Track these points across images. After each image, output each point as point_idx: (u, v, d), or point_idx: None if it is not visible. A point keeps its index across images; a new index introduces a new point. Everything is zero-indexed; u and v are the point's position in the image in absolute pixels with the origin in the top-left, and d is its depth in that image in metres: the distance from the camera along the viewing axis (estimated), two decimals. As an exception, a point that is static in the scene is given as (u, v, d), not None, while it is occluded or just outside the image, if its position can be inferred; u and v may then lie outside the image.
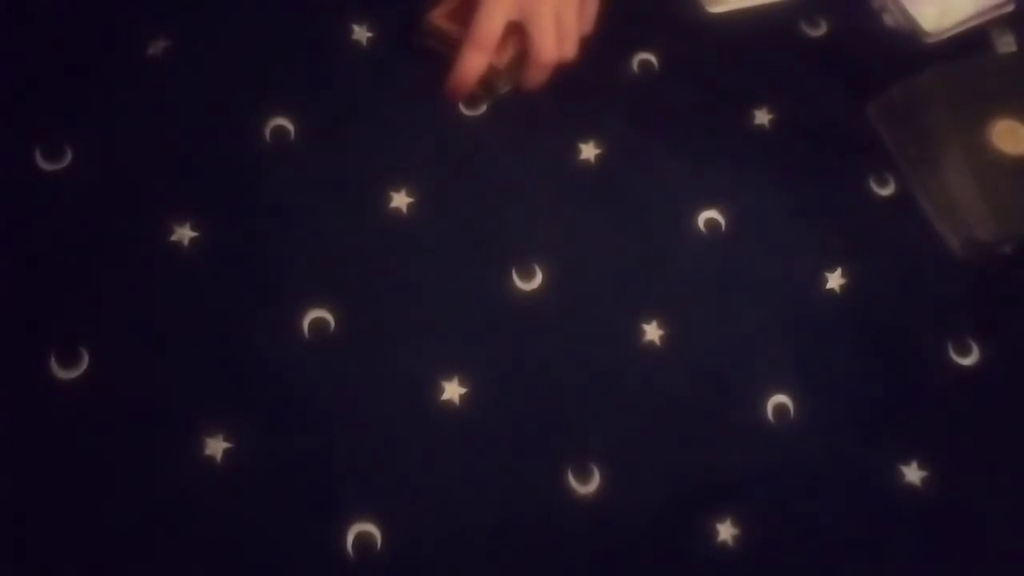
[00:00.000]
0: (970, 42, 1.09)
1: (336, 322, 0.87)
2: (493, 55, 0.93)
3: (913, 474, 0.90)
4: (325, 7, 0.99)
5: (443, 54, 0.96)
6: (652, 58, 1.04)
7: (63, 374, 0.81)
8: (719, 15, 1.06)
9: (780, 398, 0.91)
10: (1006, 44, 1.09)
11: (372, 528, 0.81)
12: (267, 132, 0.93)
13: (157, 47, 0.94)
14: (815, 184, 1.01)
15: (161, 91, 0.93)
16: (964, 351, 0.96)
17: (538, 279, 0.92)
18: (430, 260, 0.91)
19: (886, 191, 1.02)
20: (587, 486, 0.85)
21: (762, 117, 1.03)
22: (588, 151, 0.98)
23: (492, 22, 0.91)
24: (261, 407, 0.83)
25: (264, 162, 0.92)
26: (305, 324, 0.86)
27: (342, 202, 0.92)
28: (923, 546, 0.89)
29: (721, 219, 0.97)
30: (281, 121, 0.93)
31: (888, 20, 1.10)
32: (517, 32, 0.94)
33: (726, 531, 0.86)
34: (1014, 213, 0.96)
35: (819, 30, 1.09)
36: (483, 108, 0.98)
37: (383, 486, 0.83)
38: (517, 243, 0.93)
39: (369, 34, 0.99)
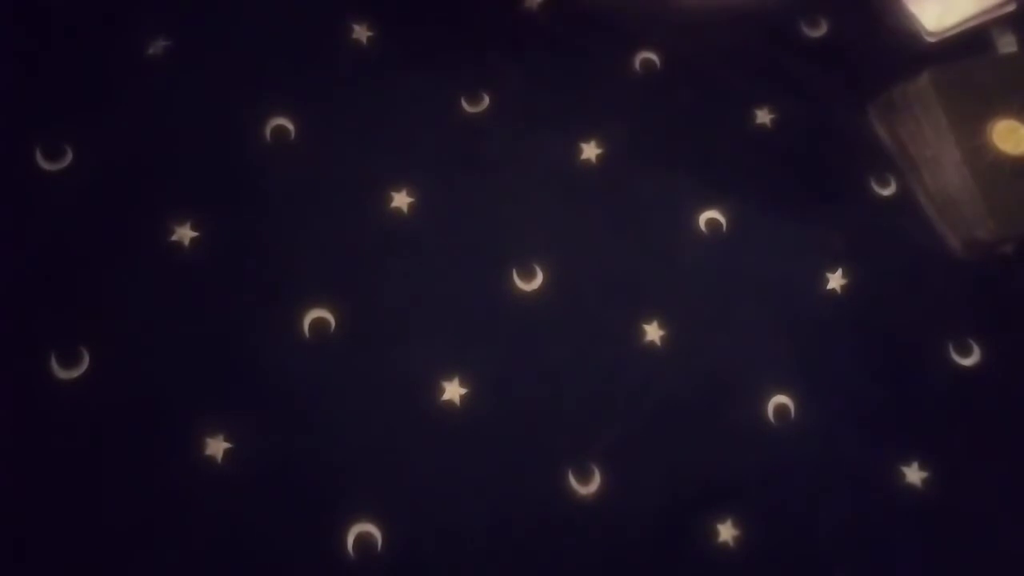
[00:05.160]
0: (970, 42, 1.09)
1: (336, 322, 0.87)
2: None
3: (914, 475, 0.90)
4: (325, 7, 0.99)
5: None
6: (654, 57, 1.04)
7: (63, 374, 0.81)
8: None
9: (780, 399, 0.91)
10: (1006, 44, 1.09)
11: (372, 528, 0.81)
12: (267, 132, 0.93)
13: (157, 47, 0.94)
14: (815, 184, 1.01)
15: (161, 91, 0.93)
16: (964, 351, 0.96)
17: (538, 279, 0.92)
18: (430, 260, 0.91)
19: (886, 191, 1.02)
20: (587, 486, 0.85)
21: (762, 117, 1.03)
22: (589, 151, 0.98)
23: None
24: (261, 407, 0.83)
25: (264, 162, 0.92)
26: (305, 324, 0.86)
27: (342, 202, 0.92)
28: (923, 546, 0.89)
29: (721, 219, 0.97)
30: (281, 121, 0.93)
31: (889, 20, 1.10)
32: None
33: (726, 532, 0.86)
34: (1014, 213, 0.96)
35: (819, 30, 1.09)
36: (486, 103, 0.98)
37: (383, 486, 0.83)
38: (517, 243, 0.93)
39: (369, 33, 0.99)
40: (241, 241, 0.88)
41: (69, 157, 0.88)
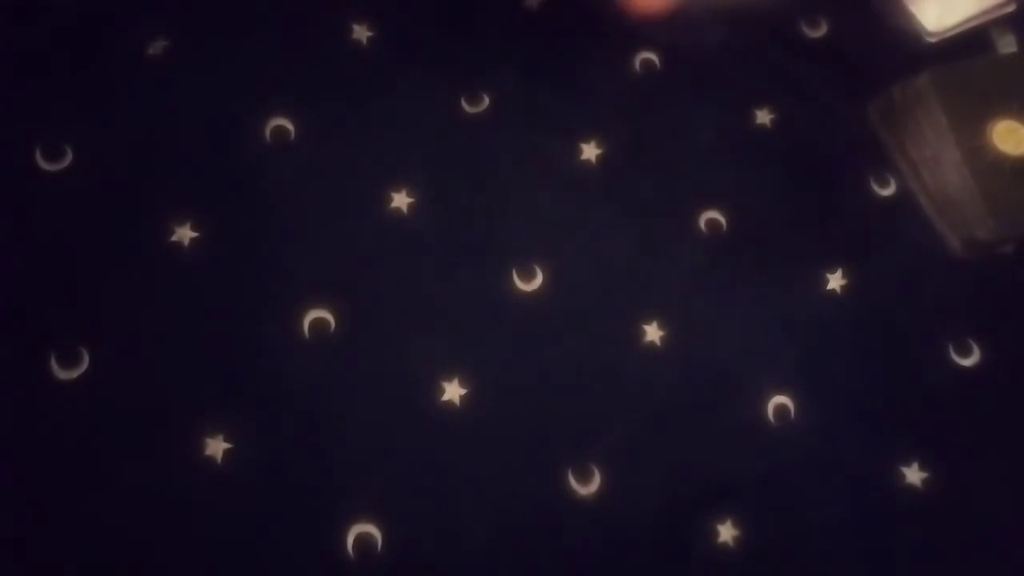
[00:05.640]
0: (970, 42, 1.09)
1: (336, 322, 0.87)
2: None
3: (914, 475, 0.90)
4: (325, 7, 0.99)
5: None
6: (654, 57, 1.04)
7: (63, 374, 0.81)
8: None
9: (780, 399, 0.91)
10: (1006, 44, 1.09)
11: (372, 528, 0.81)
12: (267, 132, 0.93)
13: (157, 47, 0.94)
14: (815, 184, 1.01)
15: (161, 91, 0.93)
16: (964, 351, 0.96)
17: (538, 279, 0.92)
18: (430, 260, 0.91)
19: (886, 191, 1.02)
20: (587, 486, 0.85)
21: (762, 117, 1.03)
22: (589, 151, 0.98)
23: None
24: (261, 407, 0.83)
25: (264, 162, 0.92)
26: (305, 324, 0.86)
27: (342, 202, 0.92)
28: (923, 546, 0.89)
29: (721, 219, 0.97)
30: (281, 121, 0.93)
31: (889, 20, 1.10)
32: None
33: (726, 532, 0.86)
34: (1014, 213, 0.96)
35: (819, 30, 1.09)
36: (486, 103, 0.98)
37: (383, 486, 0.83)
38: (517, 243, 0.93)
39: (369, 34, 0.99)
40: (241, 241, 0.88)
41: (69, 157, 0.88)
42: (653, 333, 0.91)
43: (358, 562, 0.80)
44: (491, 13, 1.01)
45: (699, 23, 1.06)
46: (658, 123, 1.01)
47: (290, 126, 0.93)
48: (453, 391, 0.86)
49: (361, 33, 0.99)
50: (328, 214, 0.91)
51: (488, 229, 0.93)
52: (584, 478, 0.85)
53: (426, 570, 0.81)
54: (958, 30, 1.08)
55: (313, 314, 0.86)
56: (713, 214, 0.97)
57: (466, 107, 0.97)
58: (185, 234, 0.87)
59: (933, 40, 1.08)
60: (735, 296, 0.95)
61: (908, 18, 1.09)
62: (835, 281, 0.97)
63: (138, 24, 0.94)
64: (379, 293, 0.89)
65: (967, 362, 0.96)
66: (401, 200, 0.92)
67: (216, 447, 0.81)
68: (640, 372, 0.90)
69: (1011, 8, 1.08)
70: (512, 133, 0.97)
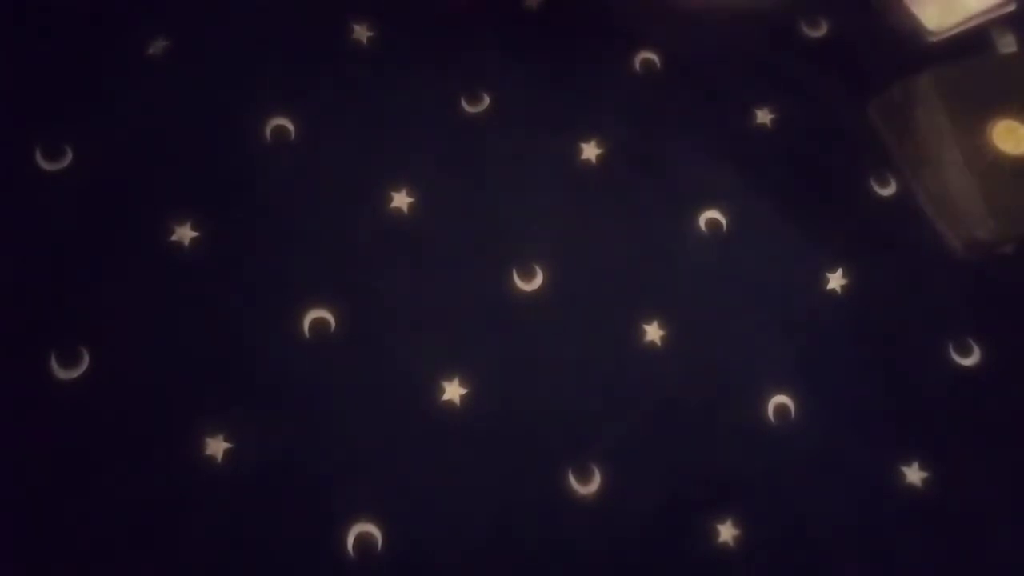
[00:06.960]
0: (970, 42, 1.09)
1: (336, 322, 0.87)
2: None
3: (914, 475, 0.90)
4: (325, 7, 0.99)
5: None
6: (654, 57, 1.04)
7: (63, 374, 0.81)
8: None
9: (780, 398, 0.91)
10: (1006, 44, 1.09)
11: (372, 528, 0.81)
12: (267, 132, 0.93)
13: (157, 47, 0.94)
14: (815, 184, 1.01)
15: (161, 91, 0.93)
16: (964, 351, 0.96)
17: (538, 279, 0.92)
18: (430, 260, 0.91)
19: (886, 191, 1.02)
20: (587, 486, 0.85)
21: (762, 117, 1.03)
22: (589, 151, 0.98)
23: None
24: (261, 407, 0.83)
25: (264, 162, 0.92)
26: (305, 324, 0.86)
27: (342, 202, 0.92)
28: (923, 546, 0.89)
29: (721, 219, 0.97)
30: (281, 121, 0.93)
31: (889, 20, 1.10)
32: None
33: (727, 531, 0.86)
34: (1014, 213, 0.96)
35: (819, 30, 1.09)
36: (486, 103, 0.98)
37: (383, 486, 0.83)
38: (517, 243, 0.93)
39: (369, 34, 0.99)
40: (241, 241, 0.88)
41: (69, 157, 0.88)
42: (653, 333, 0.91)
43: (358, 562, 0.80)
44: (491, 13, 1.01)
45: (699, 23, 1.06)
46: (658, 123, 1.01)
47: (290, 126, 0.93)
48: (453, 391, 0.86)
49: (361, 33, 0.99)
50: (328, 214, 0.91)
51: (488, 229, 0.93)
52: (584, 478, 0.85)
53: (426, 570, 0.81)
54: (958, 30, 1.09)
55: (313, 314, 0.86)
56: (713, 214, 0.97)
57: (466, 107, 0.97)
58: (185, 234, 0.87)
59: (933, 40, 1.08)
60: (735, 296, 0.95)
61: (908, 18, 1.09)
62: (835, 281, 0.97)
63: (138, 24, 0.94)
64: (379, 293, 0.89)
65: (967, 362, 0.96)
66: (401, 200, 0.92)
67: (216, 447, 0.81)
68: (640, 372, 0.90)
69: (1011, 8, 1.08)
70: (512, 133, 0.97)
